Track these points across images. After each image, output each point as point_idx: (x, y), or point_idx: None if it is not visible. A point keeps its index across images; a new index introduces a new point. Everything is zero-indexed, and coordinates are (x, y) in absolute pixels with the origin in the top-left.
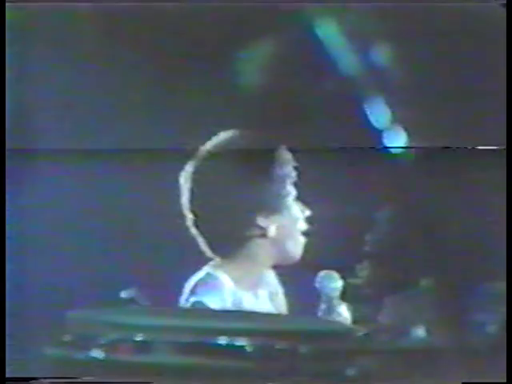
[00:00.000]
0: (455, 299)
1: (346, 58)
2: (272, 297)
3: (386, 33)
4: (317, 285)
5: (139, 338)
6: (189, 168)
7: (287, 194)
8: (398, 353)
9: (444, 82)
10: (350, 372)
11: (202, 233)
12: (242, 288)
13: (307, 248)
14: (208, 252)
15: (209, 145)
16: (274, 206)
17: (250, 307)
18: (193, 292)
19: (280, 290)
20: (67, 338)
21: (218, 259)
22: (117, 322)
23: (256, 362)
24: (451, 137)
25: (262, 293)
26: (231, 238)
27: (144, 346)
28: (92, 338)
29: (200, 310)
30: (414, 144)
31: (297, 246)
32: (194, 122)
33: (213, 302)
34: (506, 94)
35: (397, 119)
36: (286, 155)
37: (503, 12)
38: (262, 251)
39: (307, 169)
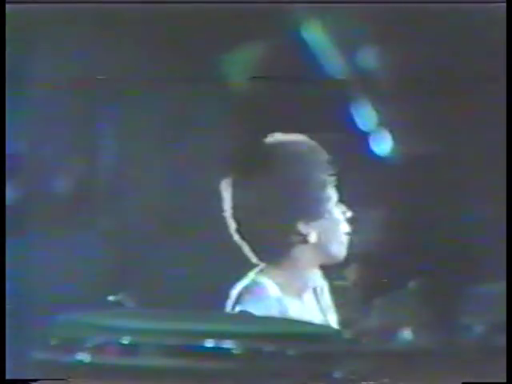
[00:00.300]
0: (443, 301)
1: (333, 60)
2: (317, 296)
3: (373, 35)
4: None
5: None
6: (231, 175)
7: (328, 199)
8: (385, 355)
9: (433, 83)
10: (338, 374)
11: (245, 239)
12: (287, 293)
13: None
14: (253, 258)
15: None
16: (314, 212)
17: (296, 313)
18: (238, 300)
19: (325, 287)
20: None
21: (262, 265)
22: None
23: (243, 365)
24: (438, 141)
25: (308, 296)
26: (274, 244)
27: (131, 349)
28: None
29: (189, 313)
30: (400, 148)
31: (340, 248)
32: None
33: (258, 310)
34: (506, 94)
35: (383, 122)
36: (326, 159)
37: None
38: (305, 256)
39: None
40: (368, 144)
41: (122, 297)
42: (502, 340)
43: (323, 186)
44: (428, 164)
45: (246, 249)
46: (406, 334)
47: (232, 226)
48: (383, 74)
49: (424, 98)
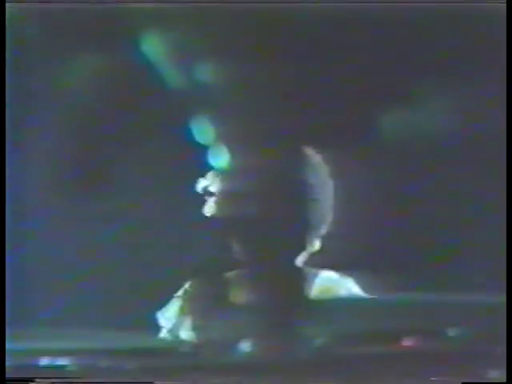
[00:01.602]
0: (283, 313)
1: (172, 74)
2: None
3: (211, 50)
4: None
5: None
6: None
7: None
8: (224, 367)
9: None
10: None
11: None
12: None
13: None
14: None
15: None
16: None
17: None
18: None
19: None
20: None
21: None
22: None
23: (78, 382)
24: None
25: None
26: None
27: None
28: None
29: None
30: (235, 161)
31: None
32: None
33: None
34: (506, 95)
35: (220, 136)
36: None
37: None
38: None
39: None
40: (206, 157)
41: None
42: (342, 350)
43: None
44: (266, 176)
45: None
46: (245, 345)
47: None
48: (221, 88)
49: (262, 112)
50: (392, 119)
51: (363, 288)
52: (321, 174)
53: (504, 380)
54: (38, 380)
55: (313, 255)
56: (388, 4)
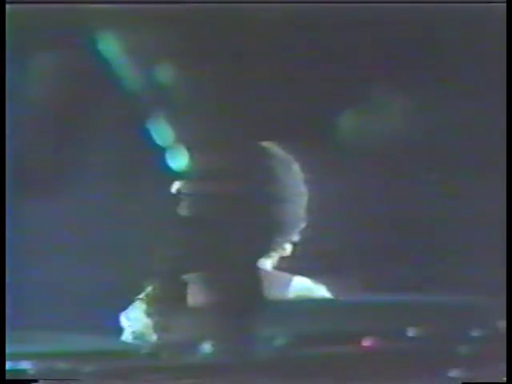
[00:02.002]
0: (244, 315)
1: (129, 76)
2: None
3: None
4: None
5: None
6: None
7: None
8: (184, 369)
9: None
10: None
11: None
12: None
13: None
14: None
15: None
16: None
17: None
18: None
19: None
20: None
21: None
22: None
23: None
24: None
25: None
26: None
27: None
28: None
29: None
30: (195, 163)
31: None
32: None
33: None
34: (506, 95)
35: (179, 138)
36: None
37: None
38: None
39: None
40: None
41: None
42: (304, 351)
43: None
44: (223, 177)
45: None
46: (206, 347)
47: None
48: (180, 90)
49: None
50: (361, 119)
51: (327, 289)
52: (286, 175)
53: (504, 380)
54: (40, 381)
55: (277, 257)
56: (388, 4)
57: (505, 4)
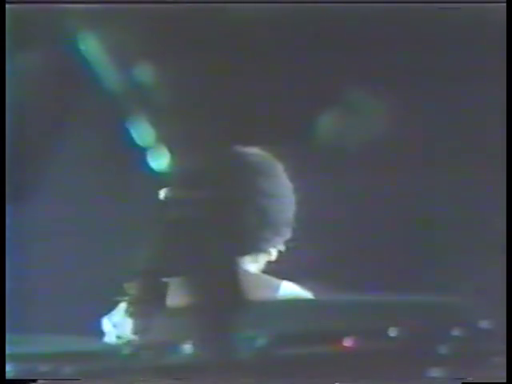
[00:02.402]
0: (224, 315)
1: (109, 75)
2: None
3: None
4: None
5: None
6: None
7: None
8: (164, 369)
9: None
10: None
11: None
12: None
13: None
14: None
15: None
16: None
17: None
18: None
19: None
20: None
21: None
22: None
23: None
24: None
25: None
26: None
27: None
28: None
29: None
30: (177, 163)
31: None
32: None
33: None
34: (506, 95)
35: (160, 138)
36: None
37: None
38: None
39: None
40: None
41: None
42: (284, 351)
43: None
44: (205, 178)
45: None
46: (186, 347)
47: None
48: (160, 89)
49: (204, 113)
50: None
51: (310, 290)
52: (271, 178)
53: (504, 380)
54: (40, 381)
55: (260, 259)
56: (386, 4)
57: (505, 4)
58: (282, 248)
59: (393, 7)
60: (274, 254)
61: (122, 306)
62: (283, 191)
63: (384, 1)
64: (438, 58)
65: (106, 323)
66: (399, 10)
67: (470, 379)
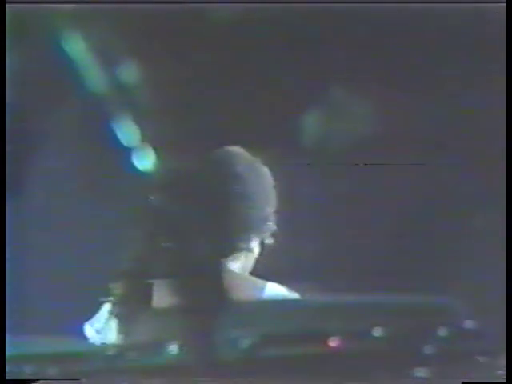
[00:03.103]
0: (208, 316)
1: (93, 75)
2: None
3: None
4: None
5: None
6: None
7: None
8: (150, 370)
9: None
10: None
11: None
12: None
13: None
14: None
15: None
16: None
17: None
18: None
19: None
20: None
21: None
22: None
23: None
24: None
25: None
26: None
27: None
28: None
29: None
30: (161, 163)
31: None
32: None
33: None
34: (506, 95)
35: (145, 138)
36: None
37: None
38: None
39: None
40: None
41: None
42: (270, 351)
43: None
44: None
45: None
46: (172, 348)
47: None
48: (145, 89)
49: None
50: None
51: (294, 291)
52: (254, 178)
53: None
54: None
55: (244, 259)
56: (386, 4)
57: (505, 4)
58: (263, 248)
59: (393, 7)
60: (256, 254)
61: (105, 308)
62: (263, 191)
63: (384, 1)
64: (438, 57)
65: (89, 329)
66: (399, 10)
67: (469, 379)
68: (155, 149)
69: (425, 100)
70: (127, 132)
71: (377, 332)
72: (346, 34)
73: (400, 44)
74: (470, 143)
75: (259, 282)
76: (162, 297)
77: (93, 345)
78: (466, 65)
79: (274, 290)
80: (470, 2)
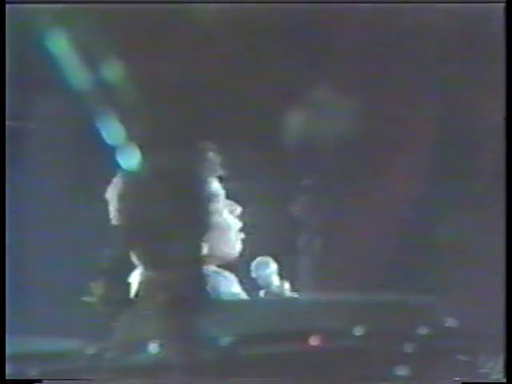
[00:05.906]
0: (188, 315)
1: (78, 73)
2: None
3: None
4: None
5: None
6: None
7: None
8: (129, 369)
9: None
10: None
11: None
12: None
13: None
14: None
15: None
16: None
17: None
18: None
19: None
20: None
21: None
22: None
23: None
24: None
25: None
26: None
27: None
28: None
29: None
30: (147, 161)
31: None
32: None
33: None
34: (505, 94)
35: (131, 136)
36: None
37: None
38: None
39: None
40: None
41: None
42: (250, 350)
43: None
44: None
45: None
46: (152, 347)
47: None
48: (130, 87)
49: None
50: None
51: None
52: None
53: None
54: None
55: (223, 257)
56: (386, 4)
57: (505, 4)
58: (242, 247)
59: (393, 7)
60: (236, 251)
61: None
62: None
63: (384, 1)
64: (438, 57)
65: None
66: (399, 9)
67: (469, 379)
68: (140, 147)
69: (424, 100)
70: (112, 131)
71: (358, 331)
72: (346, 34)
73: (400, 44)
74: (470, 143)
75: (232, 276)
76: (142, 295)
77: (72, 344)
78: (465, 65)
79: (237, 279)
80: (470, 2)
